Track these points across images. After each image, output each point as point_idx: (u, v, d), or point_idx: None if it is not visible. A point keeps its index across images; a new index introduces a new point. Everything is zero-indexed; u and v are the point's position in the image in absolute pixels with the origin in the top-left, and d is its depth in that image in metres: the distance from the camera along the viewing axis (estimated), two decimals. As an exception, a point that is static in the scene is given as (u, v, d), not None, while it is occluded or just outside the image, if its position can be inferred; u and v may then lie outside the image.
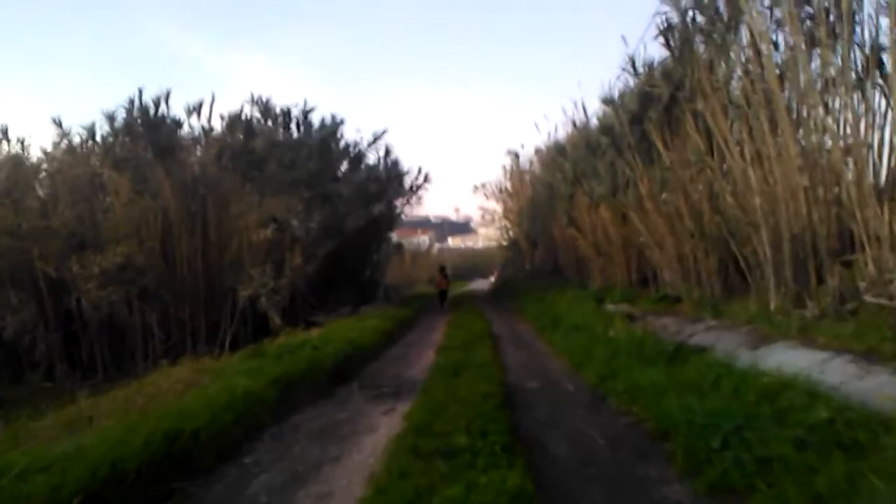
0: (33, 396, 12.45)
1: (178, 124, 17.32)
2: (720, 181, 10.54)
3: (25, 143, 18.17)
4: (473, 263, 52.33)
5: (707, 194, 11.19)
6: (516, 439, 4.80)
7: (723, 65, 11.15)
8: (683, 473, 4.01)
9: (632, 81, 13.96)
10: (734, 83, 10.98)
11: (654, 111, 12.25)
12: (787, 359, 5.67)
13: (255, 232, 16.26)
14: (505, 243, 38.11)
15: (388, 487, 3.52)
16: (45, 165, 18.41)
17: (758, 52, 9.70)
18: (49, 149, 18.14)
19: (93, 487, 3.16)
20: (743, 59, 10.45)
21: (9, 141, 18.13)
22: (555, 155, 23.81)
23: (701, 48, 11.32)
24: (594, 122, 18.55)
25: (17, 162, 18.17)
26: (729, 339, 7.32)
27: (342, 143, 21.11)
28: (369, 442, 4.88)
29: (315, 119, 20.29)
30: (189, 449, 4.09)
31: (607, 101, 14.75)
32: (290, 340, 9.86)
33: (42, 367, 17.41)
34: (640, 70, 13.71)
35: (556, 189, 22.95)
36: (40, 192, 18.23)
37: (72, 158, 17.60)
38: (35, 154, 18.33)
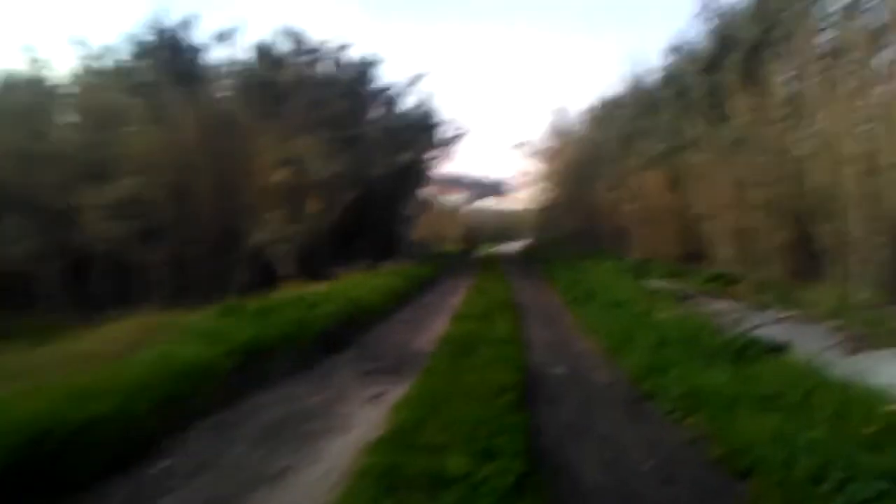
0: (29, 329, 11.43)
1: (204, 51, 16.07)
2: (804, 144, 8.91)
3: (43, 65, 17.10)
4: (506, 225, 50.70)
5: (784, 160, 9.58)
6: (535, 460, 3.52)
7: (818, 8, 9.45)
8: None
9: (707, 26, 12.20)
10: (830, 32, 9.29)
11: (733, 58, 10.52)
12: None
13: (271, 173, 15.06)
14: (540, 206, 36.46)
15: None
16: (64, 90, 17.44)
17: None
18: (69, 72, 17.14)
19: None
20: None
21: (27, 62, 17.04)
22: (605, 113, 22.03)
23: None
24: (654, 78, 16.75)
25: (34, 84, 17.20)
26: (810, 338, 5.88)
27: (375, 85, 19.62)
28: (336, 448, 3.63)
29: (350, 57, 18.79)
30: (65, 451, 2.90)
31: (676, 47, 12.98)
32: (284, 295, 8.70)
33: (48, 300, 16.85)
34: (717, 14, 11.94)
35: (602, 150, 21.30)
36: (61, 118, 17.34)
37: (89, 82, 16.55)
38: (57, 77, 17.27)
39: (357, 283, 11.44)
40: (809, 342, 5.71)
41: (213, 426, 3.92)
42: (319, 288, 10.67)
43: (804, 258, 9.28)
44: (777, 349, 5.56)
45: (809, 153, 9.05)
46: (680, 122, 13.17)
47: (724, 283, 9.87)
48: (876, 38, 8.20)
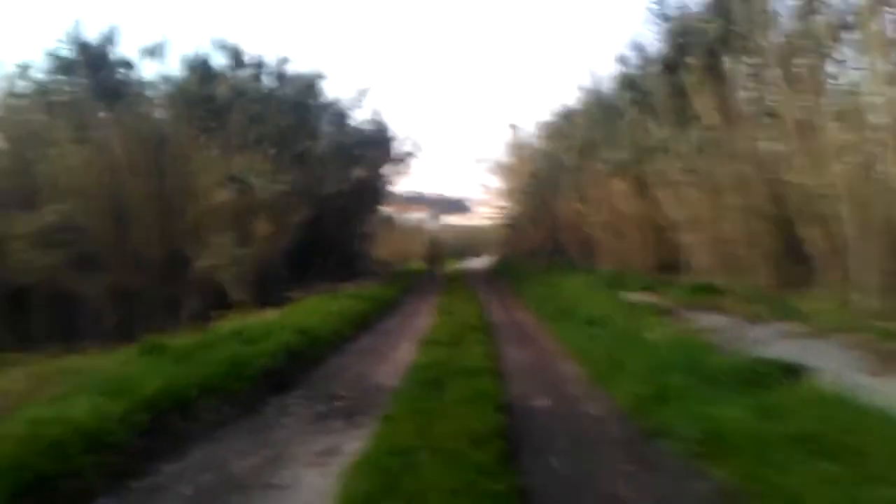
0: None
1: (130, 66, 14.93)
2: (778, 143, 8.35)
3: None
4: (469, 242, 50.03)
5: (760, 161, 9.03)
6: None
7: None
8: None
9: (662, 27, 11.70)
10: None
11: (694, 57, 10.00)
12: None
13: (214, 193, 13.98)
14: (503, 221, 35.98)
15: None
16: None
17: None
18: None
19: None
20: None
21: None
22: (562, 124, 21.57)
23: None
24: (610, 86, 16.29)
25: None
26: (823, 356, 5.17)
27: (322, 100, 18.69)
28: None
29: (292, 71, 17.83)
30: None
31: (631, 51, 12.47)
32: (224, 327, 7.67)
33: (-22, 337, 15.35)
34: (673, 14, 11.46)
35: (561, 161, 20.80)
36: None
37: (8, 103, 15.26)
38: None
39: (312, 307, 10.46)
40: (825, 361, 5.00)
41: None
42: (269, 315, 9.68)
43: (792, 265, 8.69)
44: (792, 371, 4.82)
45: (786, 152, 8.51)
46: (642, 127, 12.63)
47: (707, 295, 9.20)
48: (838, 30, 7.77)
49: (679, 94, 10.99)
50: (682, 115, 10.98)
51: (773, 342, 5.95)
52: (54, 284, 14.36)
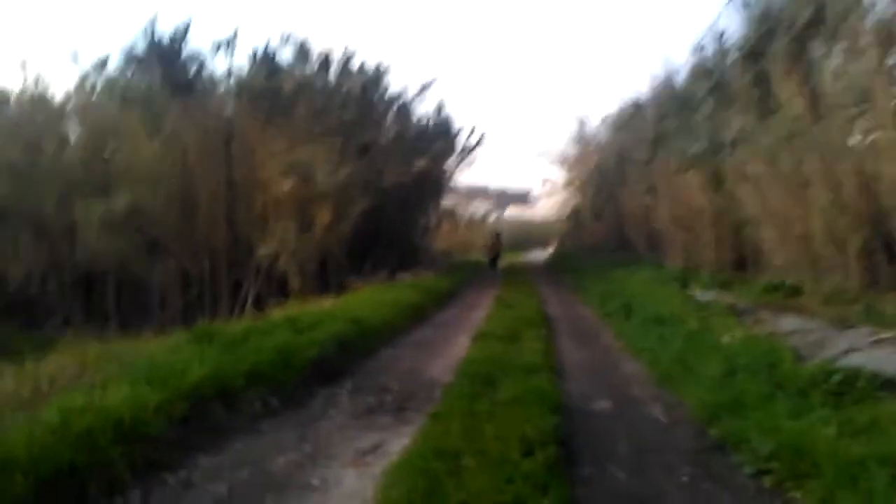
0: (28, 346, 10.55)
1: (201, 60, 15.31)
2: (878, 133, 7.66)
3: (42, 80, 16.53)
4: (531, 234, 49.41)
5: (850, 153, 8.34)
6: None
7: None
8: None
9: (745, 11, 11.01)
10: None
11: (780, 43, 9.33)
12: None
13: (277, 183, 14.16)
14: (567, 214, 35.30)
15: None
16: (70, 105, 16.86)
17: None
18: (67, 86, 16.64)
19: None
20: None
21: (26, 78, 16.42)
22: (631, 115, 20.84)
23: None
24: (683, 76, 15.56)
25: (36, 100, 16.61)
26: (925, 366, 4.62)
27: (386, 92, 18.67)
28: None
29: (357, 65, 17.86)
30: None
31: (711, 37, 11.79)
32: (279, 314, 7.64)
33: (58, 315, 16.15)
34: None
35: (628, 154, 20.14)
36: (59, 132, 16.75)
37: (85, 95, 15.92)
38: (54, 91, 16.66)
39: (369, 297, 10.40)
40: (926, 373, 4.46)
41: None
42: (325, 304, 9.66)
43: (881, 265, 7.98)
44: (887, 384, 4.32)
45: (880, 143, 7.80)
46: (719, 118, 11.97)
47: (785, 295, 8.58)
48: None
49: (761, 83, 10.33)
50: (764, 106, 10.32)
51: (864, 350, 5.40)
52: (125, 269, 14.97)
